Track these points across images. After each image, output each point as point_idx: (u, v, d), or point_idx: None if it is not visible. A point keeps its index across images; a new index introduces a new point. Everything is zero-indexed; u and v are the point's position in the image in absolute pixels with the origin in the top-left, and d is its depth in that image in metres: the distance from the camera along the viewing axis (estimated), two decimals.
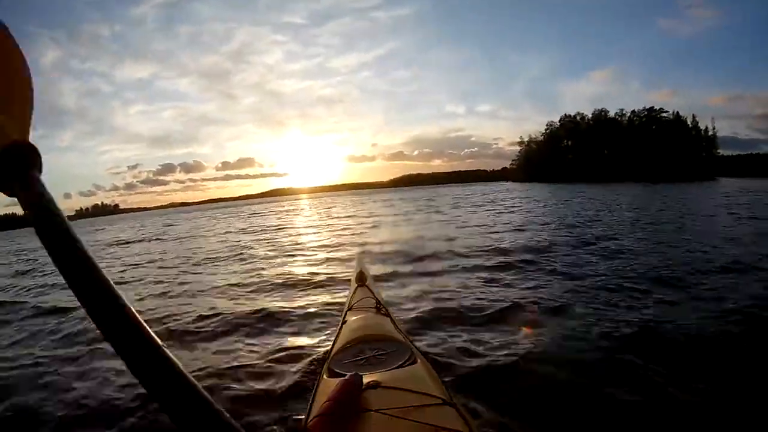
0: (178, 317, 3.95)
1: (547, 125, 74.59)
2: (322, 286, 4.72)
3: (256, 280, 5.47)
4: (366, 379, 1.17)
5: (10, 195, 0.42)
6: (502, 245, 6.67)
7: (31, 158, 0.44)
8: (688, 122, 61.93)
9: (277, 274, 5.65)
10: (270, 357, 2.78)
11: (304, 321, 3.52)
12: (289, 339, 3.13)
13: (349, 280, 3.03)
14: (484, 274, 4.77)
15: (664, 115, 63.20)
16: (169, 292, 5.34)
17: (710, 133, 61.95)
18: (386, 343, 1.60)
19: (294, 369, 2.54)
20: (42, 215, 0.37)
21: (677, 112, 62.43)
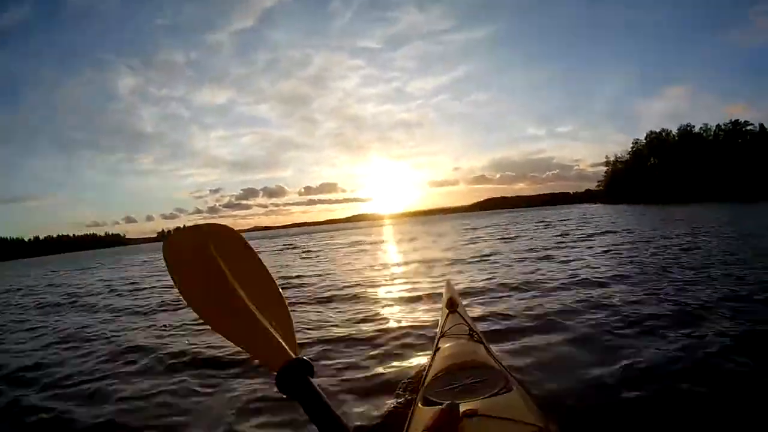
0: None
1: (633, 143, 75.32)
2: (412, 312, 4.87)
3: (343, 303, 5.77)
4: (462, 408, 1.18)
5: (293, 398, 0.68)
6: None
7: (307, 369, 0.71)
8: None
9: (367, 299, 5.95)
10: (362, 384, 2.86)
11: (395, 347, 3.59)
12: (381, 366, 3.17)
13: (439, 306, 3.03)
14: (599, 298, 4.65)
15: (750, 127, 62.19)
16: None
17: None
18: (481, 370, 1.64)
19: (387, 397, 2.58)
20: (320, 413, 0.64)
21: (761, 124, 60.86)
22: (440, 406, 1.16)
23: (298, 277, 9.14)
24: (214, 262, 0.97)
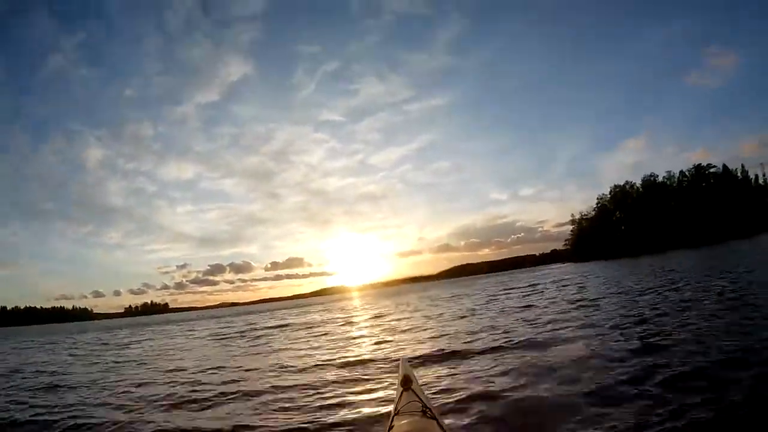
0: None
1: (598, 199, 76.14)
2: (368, 391, 4.77)
3: (302, 382, 5.61)
4: None
5: None
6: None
7: None
8: (738, 174, 62.91)
9: (320, 380, 5.70)
10: None
11: (350, 428, 3.57)
12: None
13: (395, 384, 3.04)
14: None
15: (713, 170, 64.70)
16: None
17: (760, 181, 62.57)
18: None
19: None
20: None
21: (725, 165, 64.01)
22: None
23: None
24: None
